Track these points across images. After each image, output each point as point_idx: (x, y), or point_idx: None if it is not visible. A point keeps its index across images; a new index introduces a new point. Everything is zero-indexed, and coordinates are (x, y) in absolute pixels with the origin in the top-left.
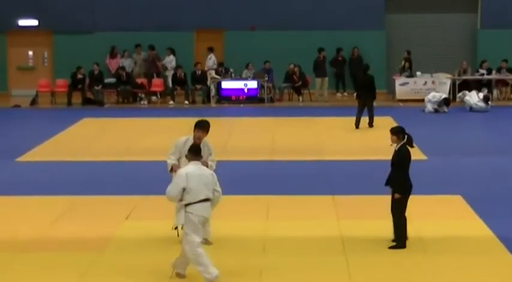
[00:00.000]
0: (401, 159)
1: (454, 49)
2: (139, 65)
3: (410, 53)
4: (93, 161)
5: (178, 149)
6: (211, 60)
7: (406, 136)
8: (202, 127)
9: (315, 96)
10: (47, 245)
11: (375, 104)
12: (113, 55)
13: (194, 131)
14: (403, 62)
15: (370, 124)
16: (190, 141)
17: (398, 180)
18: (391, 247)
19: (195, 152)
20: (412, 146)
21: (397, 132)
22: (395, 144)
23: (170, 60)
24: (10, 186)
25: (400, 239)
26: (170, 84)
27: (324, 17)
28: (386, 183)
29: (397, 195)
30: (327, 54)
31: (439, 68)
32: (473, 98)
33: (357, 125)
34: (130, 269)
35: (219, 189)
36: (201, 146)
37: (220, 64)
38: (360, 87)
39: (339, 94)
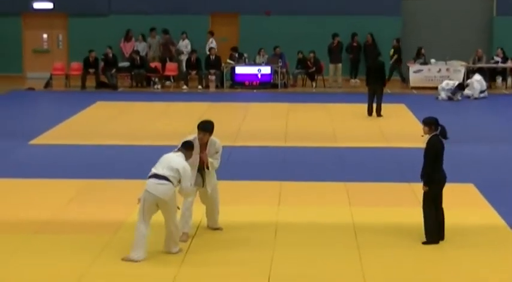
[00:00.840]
0: (429, 151)
1: (469, 36)
2: (154, 49)
3: (400, 41)
4: (106, 144)
5: None
6: (212, 44)
7: (439, 127)
8: (204, 129)
9: (328, 83)
10: (61, 227)
11: (388, 90)
12: (127, 38)
13: (197, 132)
14: (391, 51)
15: (378, 113)
16: (197, 140)
17: (425, 172)
18: (424, 242)
19: (185, 147)
20: (445, 138)
21: (430, 123)
22: (426, 135)
23: (185, 45)
24: (23, 168)
25: (428, 234)
26: (184, 68)
27: (339, 2)
28: (421, 176)
29: (424, 188)
30: (342, 40)
31: (454, 56)
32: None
33: (370, 113)
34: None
35: (184, 184)
36: (208, 144)
37: (234, 49)
38: (369, 74)
39: (352, 80)
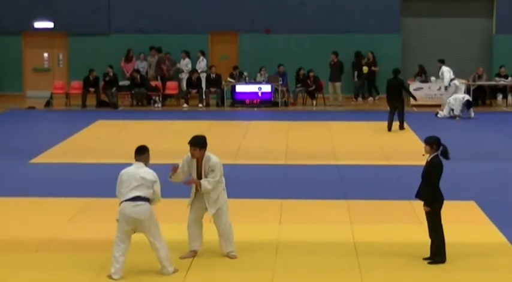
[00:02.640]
0: (433, 171)
1: (469, 54)
2: (154, 67)
3: (373, 54)
4: (107, 163)
5: (185, 164)
6: (203, 63)
7: (441, 147)
8: (194, 144)
9: (329, 101)
10: (61, 246)
11: (388, 108)
12: (128, 59)
13: (189, 148)
14: (365, 68)
15: (401, 127)
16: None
17: (428, 193)
18: (430, 263)
19: (137, 152)
20: (447, 158)
21: (431, 142)
22: (427, 155)
23: (186, 63)
24: (24, 187)
25: (438, 254)
26: (184, 87)
27: (339, 20)
28: (417, 195)
29: (426, 208)
30: (343, 58)
31: (455, 73)
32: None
33: (389, 128)
34: (144, 270)
35: (156, 187)
36: (203, 161)
37: (234, 67)
38: (389, 91)
39: (371, 99)
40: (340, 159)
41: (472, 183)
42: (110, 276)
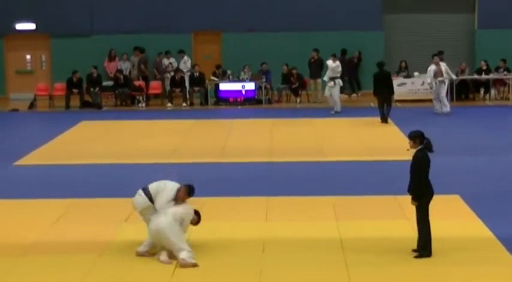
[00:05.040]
0: (416, 165)
1: (451, 49)
2: (137, 67)
3: (345, 52)
4: (91, 163)
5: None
6: (188, 63)
7: (425, 140)
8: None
9: (312, 98)
10: (47, 248)
11: (372, 104)
12: (111, 58)
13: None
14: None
15: (386, 120)
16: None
17: (415, 187)
18: (416, 257)
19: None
20: (431, 151)
21: (414, 137)
22: (412, 149)
23: (185, 61)
24: (8, 189)
25: (424, 248)
26: (168, 86)
27: (322, 18)
28: (408, 190)
29: (413, 202)
30: (325, 55)
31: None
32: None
33: (382, 120)
34: (131, 271)
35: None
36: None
37: (218, 66)
38: (377, 84)
39: (354, 95)
40: (325, 156)
41: (457, 177)
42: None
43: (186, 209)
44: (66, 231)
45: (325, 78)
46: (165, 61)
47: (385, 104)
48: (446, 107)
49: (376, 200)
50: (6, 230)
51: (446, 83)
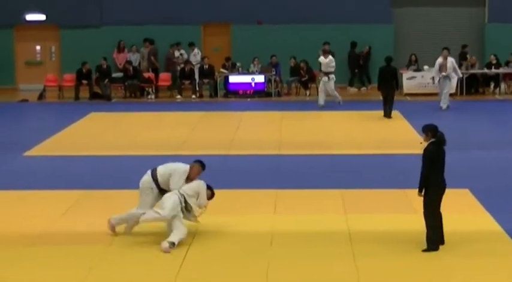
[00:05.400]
0: (423, 157)
1: (461, 43)
2: (147, 59)
3: (329, 44)
4: (100, 155)
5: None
6: (198, 55)
7: (438, 134)
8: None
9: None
10: (55, 239)
11: (381, 97)
12: (120, 50)
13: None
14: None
15: (389, 115)
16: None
17: (420, 178)
18: (424, 250)
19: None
20: (443, 144)
21: (426, 130)
22: (425, 142)
23: (195, 54)
24: (18, 180)
25: (430, 241)
26: (178, 78)
27: (331, 10)
28: None
29: (419, 194)
30: (335, 48)
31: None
32: None
33: (385, 115)
34: (139, 262)
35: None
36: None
37: (227, 58)
38: (382, 79)
39: (353, 88)
40: (334, 149)
41: (466, 172)
42: None
43: (198, 183)
44: (74, 222)
45: (320, 73)
46: (175, 53)
47: (388, 99)
48: (444, 103)
49: (385, 193)
50: (15, 220)
51: (452, 80)
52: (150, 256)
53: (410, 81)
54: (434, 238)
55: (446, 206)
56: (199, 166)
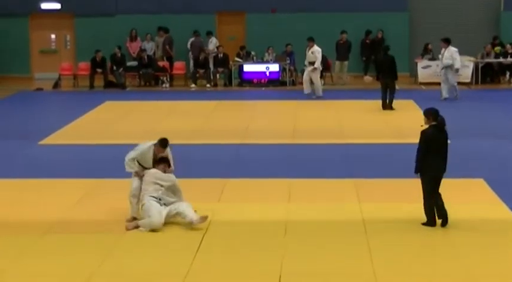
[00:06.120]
0: (420, 139)
1: (477, 31)
2: (161, 48)
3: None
4: (115, 143)
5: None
6: (212, 44)
7: (438, 118)
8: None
9: (334, 79)
10: (70, 227)
11: (397, 86)
12: (132, 38)
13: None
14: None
15: (390, 106)
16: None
17: (417, 160)
18: (424, 223)
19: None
20: (442, 128)
21: (428, 114)
22: (425, 125)
23: (212, 43)
24: (33, 169)
25: (427, 216)
26: (192, 67)
27: None
28: None
29: (416, 176)
30: (350, 36)
31: (462, 51)
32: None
33: (384, 107)
34: (153, 249)
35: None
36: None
37: (242, 47)
38: (380, 69)
39: (365, 77)
40: (348, 138)
41: (481, 161)
42: None
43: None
44: (89, 211)
45: (306, 62)
46: (209, 41)
47: (388, 89)
48: (442, 93)
49: (400, 182)
50: (29, 208)
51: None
52: (166, 243)
53: (425, 70)
54: (427, 215)
55: (461, 195)
56: (158, 145)
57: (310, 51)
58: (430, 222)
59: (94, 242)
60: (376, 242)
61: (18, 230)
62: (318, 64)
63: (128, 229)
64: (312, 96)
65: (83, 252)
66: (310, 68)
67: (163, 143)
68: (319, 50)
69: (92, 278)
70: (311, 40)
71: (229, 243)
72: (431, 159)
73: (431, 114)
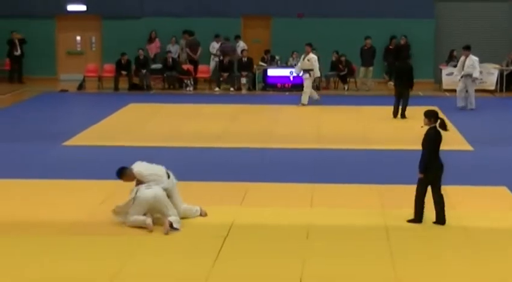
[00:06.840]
0: (424, 140)
1: (502, 39)
2: (184, 51)
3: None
4: (139, 146)
5: None
6: (239, 48)
7: (439, 120)
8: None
9: (358, 85)
10: (93, 228)
11: (420, 93)
12: (151, 40)
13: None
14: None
15: (403, 115)
16: None
17: (422, 160)
18: (409, 220)
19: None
20: (445, 130)
21: (429, 115)
22: (425, 127)
23: (241, 47)
24: (57, 169)
25: (416, 213)
26: (216, 70)
27: (373, 5)
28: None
29: (419, 175)
30: (375, 42)
31: (487, 58)
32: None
33: (395, 115)
34: (175, 252)
35: None
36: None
37: (266, 51)
38: (397, 76)
39: (390, 83)
40: (372, 144)
41: (504, 169)
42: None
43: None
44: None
45: (297, 70)
46: (215, 44)
47: (402, 98)
48: (460, 102)
49: None
50: (53, 209)
51: (491, 76)
52: (186, 246)
53: (450, 77)
54: (415, 213)
55: (484, 203)
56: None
57: (306, 59)
58: (417, 219)
59: (116, 244)
60: (398, 248)
61: (41, 231)
62: (318, 72)
63: (166, 233)
64: (315, 99)
65: (105, 254)
66: (305, 75)
67: (119, 175)
68: (316, 57)
69: (114, 279)
70: (309, 45)
71: (250, 247)
72: (433, 159)
73: (432, 116)
